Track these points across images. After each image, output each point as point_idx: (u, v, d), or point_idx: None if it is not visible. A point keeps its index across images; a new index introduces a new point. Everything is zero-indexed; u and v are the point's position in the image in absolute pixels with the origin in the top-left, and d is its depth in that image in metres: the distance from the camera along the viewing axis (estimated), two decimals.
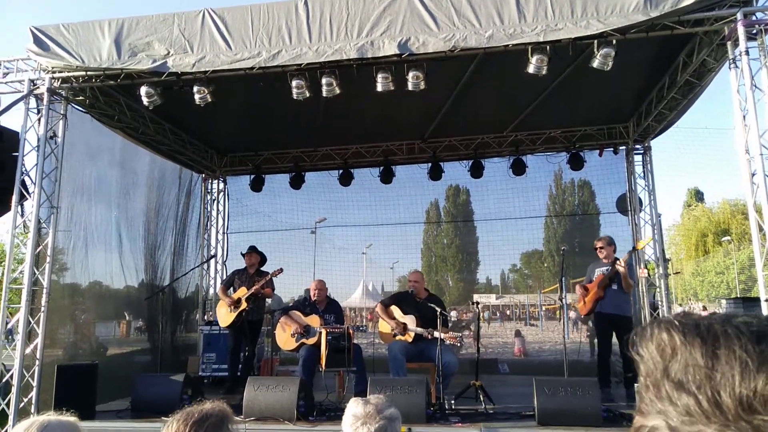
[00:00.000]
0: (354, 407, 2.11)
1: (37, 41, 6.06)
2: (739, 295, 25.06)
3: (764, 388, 0.49)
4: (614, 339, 6.53)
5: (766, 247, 5.11)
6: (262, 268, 7.40)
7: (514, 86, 7.04)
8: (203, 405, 1.93)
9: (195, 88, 6.12)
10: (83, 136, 7.09)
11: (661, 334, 0.58)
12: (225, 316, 7.09)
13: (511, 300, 24.77)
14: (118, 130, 7.63)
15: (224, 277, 9.00)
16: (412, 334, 6.22)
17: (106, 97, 6.96)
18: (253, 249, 7.50)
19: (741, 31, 5.19)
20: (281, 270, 7.17)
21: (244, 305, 6.98)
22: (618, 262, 6.35)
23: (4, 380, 5.85)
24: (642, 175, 8.58)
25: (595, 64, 5.55)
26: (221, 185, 10.16)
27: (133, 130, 7.74)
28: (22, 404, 5.70)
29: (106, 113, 7.16)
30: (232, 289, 7.35)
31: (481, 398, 5.80)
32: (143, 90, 6.20)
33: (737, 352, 0.51)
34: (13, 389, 5.69)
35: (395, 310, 6.50)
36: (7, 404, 5.71)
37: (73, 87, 6.45)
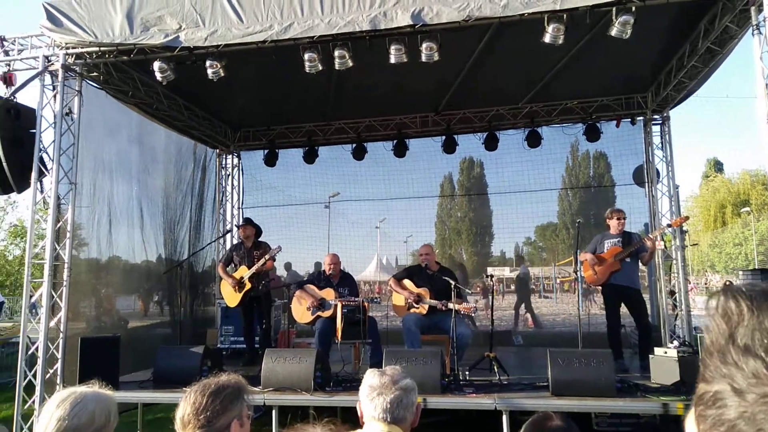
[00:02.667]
0: (370, 378, 2.14)
1: (50, 17, 6.05)
2: (757, 267, 24.78)
3: None
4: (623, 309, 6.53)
5: None
6: (259, 240, 7.27)
7: (530, 57, 6.91)
8: (219, 377, 2.00)
9: (207, 63, 6.10)
10: (101, 112, 7.15)
11: (728, 302, 0.58)
12: (230, 296, 7.01)
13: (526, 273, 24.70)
14: (132, 106, 7.66)
15: None
16: (427, 306, 6.27)
17: (120, 72, 6.97)
18: (247, 221, 7.38)
19: None
20: (279, 248, 7.03)
21: (248, 285, 6.89)
22: (649, 236, 6.29)
23: (29, 352, 6.02)
24: (660, 146, 8.44)
25: (613, 32, 5.42)
26: (235, 160, 10.20)
27: (147, 106, 7.77)
28: (48, 375, 5.88)
29: (121, 89, 7.18)
30: (232, 265, 7.26)
31: (495, 369, 5.83)
32: (156, 65, 6.19)
33: None
34: (39, 361, 5.87)
35: (408, 284, 6.54)
36: (34, 375, 5.89)
37: (87, 63, 6.47)
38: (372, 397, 2.07)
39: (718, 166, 45.67)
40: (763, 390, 0.52)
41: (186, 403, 1.90)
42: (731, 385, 0.54)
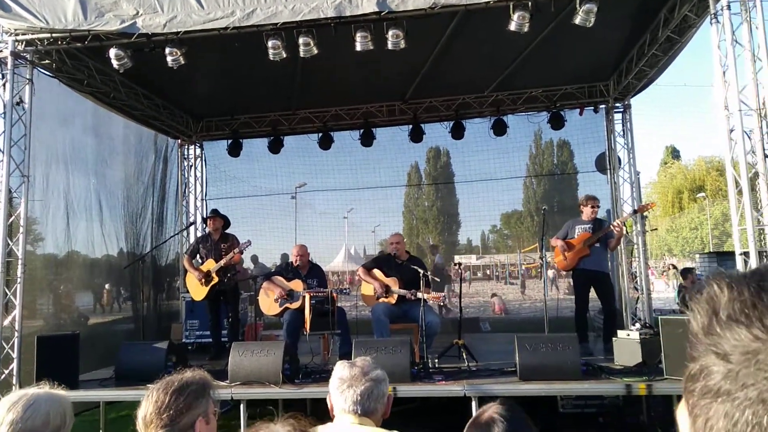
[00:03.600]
0: (340, 370, 2.11)
1: None
2: (712, 250, 25.70)
3: None
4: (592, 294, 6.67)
5: (742, 202, 5.19)
6: (226, 231, 7.12)
7: (496, 45, 6.92)
8: (183, 373, 1.94)
9: (167, 50, 5.92)
10: (53, 101, 6.86)
11: (710, 288, 0.60)
12: (196, 289, 6.86)
13: (492, 260, 25.08)
14: (88, 95, 7.38)
15: None
16: (396, 296, 6.26)
17: (74, 60, 6.69)
18: (215, 213, 7.18)
19: None
20: (249, 242, 6.91)
21: (215, 279, 6.75)
22: (615, 224, 6.42)
23: None
24: (621, 133, 8.62)
25: (577, 20, 5.47)
26: (198, 151, 9.96)
27: (103, 95, 7.50)
28: (3, 376, 5.66)
29: (75, 77, 6.90)
30: (198, 257, 7.08)
31: (464, 356, 5.88)
32: (112, 52, 5.98)
33: None
34: None
35: (377, 273, 6.52)
36: None
37: (38, 50, 6.20)
38: (342, 389, 2.04)
39: (675, 153, 47.07)
40: (745, 349, 0.53)
41: (148, 401, 1.85)
42: (715, 352, 0.56)
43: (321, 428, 2.02)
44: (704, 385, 0.57)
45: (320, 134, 9.35)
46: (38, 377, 4.91)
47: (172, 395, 1.83)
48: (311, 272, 6.77)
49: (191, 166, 9.95)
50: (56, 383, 1.90)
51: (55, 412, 1.79)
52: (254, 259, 10.77)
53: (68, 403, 1.88)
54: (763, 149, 5.21)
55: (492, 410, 1.71)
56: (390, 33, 5.69)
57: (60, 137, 7.20)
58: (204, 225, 7.96)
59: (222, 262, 6.69)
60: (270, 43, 5.82)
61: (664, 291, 19.39)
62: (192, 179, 9.94)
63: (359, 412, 2.00)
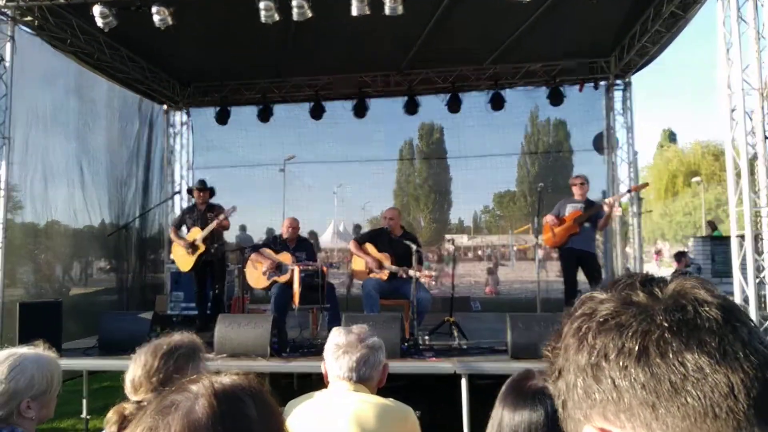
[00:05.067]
0: (336, 336, 2.06)
1: None
2: (705, 235, 25.81)
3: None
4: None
5: (740, 183, 5.09)
6: (211, 201, 6.93)
7: (496, 14, 6.72)
8: (172, 336, 1.88)
9: (154, 9, 5.71)
10: (36, 60, 6.58)
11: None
12: (183, 259, 6.68)
13: (483, 240, 25.05)
14: (71, 55, 7.08)
15: None
16: (387, 273, 6.13)
17: (57, 18, 6.43)
18: (203, 184, 6.96)
19: None
20: (234, 208, 6.70)
21: (201, 248, 6.56)
22: (606, 201, 6.32)
23: None
24: (621, 111, 8.48)
25: None
26: (184, 117, 9.68)
27: (87, 56, 7.23)
28: None
29: (58, 36, 6.64)
30: (185, 228, 6.89)
31: (455, 334, 5.81)
32: (96, 10, 5.75)
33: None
34: None
35: (369, 248, 6.37)
36: None
37: (19, 6, 5.98)
38: (337, 355, 2.00)
39: (672, 136, 47.02)
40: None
41: (136, 365, 1.77)
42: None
43: (317, 394, 2.00)
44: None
45: (312, 103, 9.11)
46: (20, 344, 4.76)
47: (161, 358, 1.77)
48: (299, 245, 6.61)
49: (177, 133, 9.68)
50: (48, 345, 1.85)
51: (41, 376, 1.77)
52: (242, 227, 10.56)
53: (57, 366, 1.85)
54: (764, 130, 5.11)
55: (537, 378, 1.40)
56: None
57: (41, 98, 6.90)
58: (189, 195, 7.72)
59: (207, 230, 6.49)
60: (262, 5, 5.61)
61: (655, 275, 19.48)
62: (178, 147, 9.68)
63: (354, 378, 1.97)
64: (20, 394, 1.71)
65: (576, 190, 6.55)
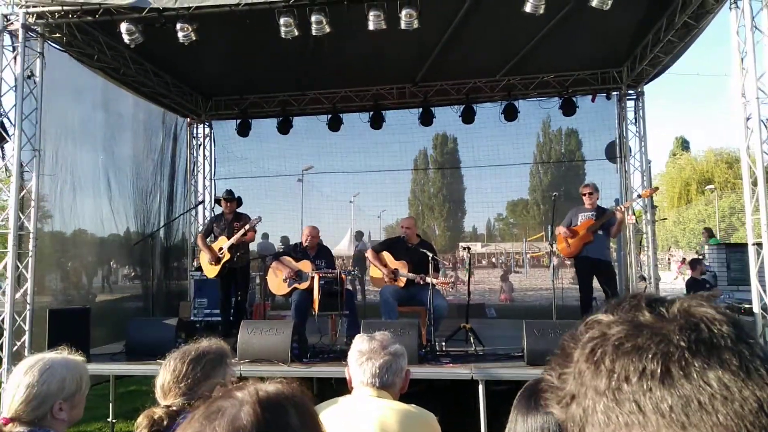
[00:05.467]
0: (360, 343, 2.12)
1: None
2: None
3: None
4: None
5: (756, 191, 5.13)
6: (238, 210, 7.12)
7: (510, 27, 6.83)
8: (200, 343, 1.95)
9: (178, 26, 5.86)
10: (65, 76, 6.81)
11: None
12: (209, 267, 6.90)
13: (497, 248, 25.05)
14: (98, 71, 7.34)
15: None
16: (404, 280, 6.26)
17: (84, 34, 6.65)
18: (230, 194, 7.13)
19: None
20: (260, 219, 6.89)
21: (227, 256, 6.77)
22: (618, 208, 6.38)
23: None
24: (633, 121, 8.53)
25: (594, 2, 5.39)
26: (207, 130, 9.93)
27: (113, 71, 7.46)
28: (15, 348, 5.70)
29: (85, 52, 6.86)
30: (212, 236, 7.13)
31: (471, 340, 5.87)
32: (123, 27, 5.92)
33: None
34: (6, 333, 5.67)
35: (387, 256, 6.51)
36: (0, 348, 5.70)
37: (49, 23, 6.16)
38: (361, 362, 2.06)
39: (684, 144, 46.60)
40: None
41: (165, 370, 1.86)
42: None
43: (341, 399, 2.05)
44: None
45: (329, 116, 9.29)
46: (50, 349, 4.96)
47: (190, 364, 1.85)
48: (319, 253, 6.77)
49: (200, 145, 9.93)
50: (74, 349, 1.91)
51: (71, 378, 1.82)
52: (265, 235, 10.77)
53: (85, 369, 1.91)
54: None
55: None
56: (403, 12, 5.62)
57: (70, 112, 7.16)
58: (214, 205, 7.95)
59: (233, 240, 6.72)
60: (282, 21, 5.76)
61: (669, 282, 19.38)
62: (201, 158, 9.93)
63: (377, 384, 2.02)
64: (52, 397, 1.75)
65: (586, 200, 6.61)
